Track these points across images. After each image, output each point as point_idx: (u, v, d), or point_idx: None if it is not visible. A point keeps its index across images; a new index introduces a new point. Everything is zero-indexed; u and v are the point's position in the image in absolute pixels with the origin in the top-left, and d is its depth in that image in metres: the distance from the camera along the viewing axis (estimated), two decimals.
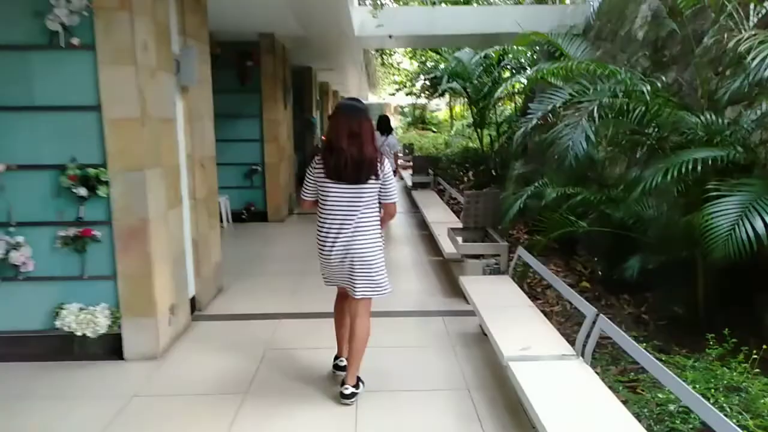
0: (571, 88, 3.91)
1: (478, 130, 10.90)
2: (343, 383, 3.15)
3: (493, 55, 10.20)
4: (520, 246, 4.18)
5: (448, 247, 5.06)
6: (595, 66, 3.94)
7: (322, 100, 18.41)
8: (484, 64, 10.22)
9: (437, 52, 14.01)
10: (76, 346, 3.72)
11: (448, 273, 5.70)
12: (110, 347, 3.75)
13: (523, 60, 9.95)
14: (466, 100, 12.48)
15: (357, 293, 3.10)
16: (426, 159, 10.62)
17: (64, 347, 3.70)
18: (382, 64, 21.63)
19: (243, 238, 7.88)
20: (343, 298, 3.36)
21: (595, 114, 3.31)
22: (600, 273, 5.67)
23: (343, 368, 3.36)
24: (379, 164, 3.04)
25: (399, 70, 23.46)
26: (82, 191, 3.53)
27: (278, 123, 8.71)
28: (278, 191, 8.83)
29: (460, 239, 4.71)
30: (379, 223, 3.14)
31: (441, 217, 6.88)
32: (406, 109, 34.25)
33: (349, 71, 15.59)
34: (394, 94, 25.75)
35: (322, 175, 3.06)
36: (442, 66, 12.60)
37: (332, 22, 7.59)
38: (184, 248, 4.29)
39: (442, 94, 12.41)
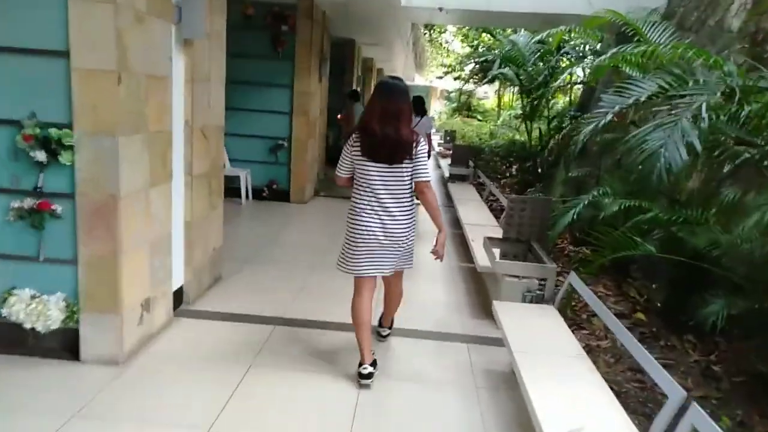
0: (662, 79, 3.04)
1: (528, 122, 9.95)
2: (379, 324, 3.64)
3: (552, 40, 9.22)
4: (572, 272, 3.36)
5: (482, 257, 4.28)
6: (695, 53, 3.06)
7: (365, 77, 17.61)
8: (541, 50, 9.23)
9: (491, 34, 13.03)
10: (30, 337, 3.12)
11: (479, 286, 4.91)
12: (67, 344, 3.13)
13: (587, 47, 8.93)
14: (517, 88, 11.52)
15: (399, 266, 3.22)
16: (467, 149, 9.75)
17: (15, 337, 3.11)
18: (431, 41, 20.66)
19: (259, 218, 7.25)
20: (366, 291, 3.19)
21: (704, 113, 2.45)
22: (659, 304, 4.79)
23: (368, 376, 3.08)
24: (414, 144, 3.01)
25: (448, 51, 22.44)
26: (41, 156, 2.88)
27: (310, 96, 8.00)
28: (304, 170, 8.15)
29: (497, 252, 3.92)
30: (413, 199, 3.13)
31: (477, 218, 6.07)
32: (452, 94, 33.16)
33: (395, 48, 14.73)
34: (442, 77, 24.70)
35: (359, 154, 3.03)
36: (495, 50, 11.61)
37: None
38: (170, 232, 3.63)
39: (492, 81, 11.44)
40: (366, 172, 3.02)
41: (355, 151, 3.04)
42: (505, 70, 10.24)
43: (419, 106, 7.94)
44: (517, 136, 12.03)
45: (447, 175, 9.39)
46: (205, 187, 4.15)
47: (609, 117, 3.13)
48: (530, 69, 9.59)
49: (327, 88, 9.36)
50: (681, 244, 3.98)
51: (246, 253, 5.47)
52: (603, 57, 4.10)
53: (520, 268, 3.64)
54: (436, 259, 3.28)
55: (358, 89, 10.66)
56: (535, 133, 10.06)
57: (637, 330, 4.53)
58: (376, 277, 3.19)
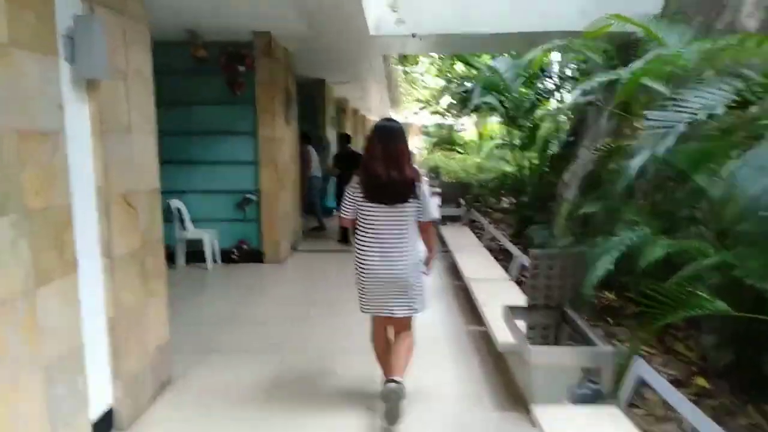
0: (732, 86, 2.18)
1: (519, 152, 9.16)
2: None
3: (535, 60, 8.55)
4: (639, 359, 2.42)
5: (499, 328, 3.32)
6: None
7: (339, 117, 16.89)
8: (527, 73, 8.52)
9: (467, 63, 12.39)
10: None
11: (497, 361, 3.91)
12: None
13: (574, 65, 8.24)
14: (500, 117, 10.82)
15: (400, 312, 3.11)
16: (456, 186, 8.87)
17: None
18: (405, 75, 20.14)
19: (227, 286, 6.24)
20: (382, 325, 3.26)
21: None
22: (722, 365, 3.85)
23: (397, 383, 2.97)
24: (417, 183, 3.04)
25: (423, 83, 21.98)
26: None
27: (277, 142, 7.11)
28: (277, 225, 7.20)
29: (523, 326, 2.97)
30: (416, 238, 3.11)
31: (481, 268, 5.16)
32: (430, 129, 32.73)
33: (368, 85, 14.06)
34: (417, 113, 24.17)
35: (361, 197, 3.06)
36: (472, 79, 10.95)
37: (340, 16, 6.01)
38: (79, 342, 2.64)
39: (474, 110, 10.72)
40: (369, 214, 3.06)
41: (357, 193, 3.07)
42: (487, 98, 9.52)
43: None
44: (507, 167, 11.26)
45: (437, 216, 8.52)
46: (135, 269, 3.17)
47: (672, 139, 2.25)
48: (514, 95, 8.87)
49: (296, 132, 8.51)
50: (742, 290, 3.09)
51: (206, 337, 4.47)
52: (628, 68, 3.26)
53: (563, 355, 2.68)
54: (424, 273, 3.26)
55: (309, 131, 9.94)
56: (525, 163, 9.28)
57: (702, 401, 3.59)
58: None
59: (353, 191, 3.09)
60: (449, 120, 26.13)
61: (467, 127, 29.49)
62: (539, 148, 9.00)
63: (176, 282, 5.89)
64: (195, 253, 6.97)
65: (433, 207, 3.19)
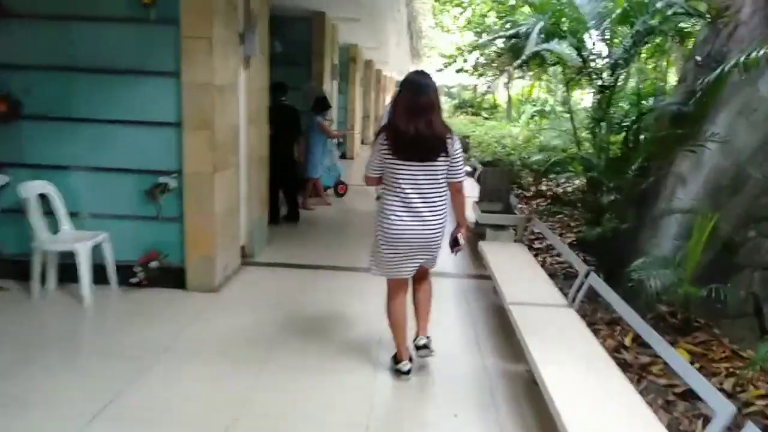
0: None
1: (598, 126, 6.19)
2: (416, 336, 3.28)
3: None
4: None
5: None
6: None
7: (348, 69, 13.83)
8: (628, 3, 5.49)
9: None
10: None
11: None
12: None
13: None
14: (554, 75, 7.83)
15: (426, 265, 3.16)
16: (503, 174, 5.78)
17: None
18: (435, 17, 17.06)
19: (103, 339, 3.49)
20: (401, 293, 3.19)
21: None
22: None
23: (407, 372, 3.18)
24: (448, 140, 2.93)
25: (449, 31, 18.88)
26: None
27: (217, 91, 4.22)
28: (211, 229, 4.37)
29: None
30: (446, 199, 3.03)
31: (576, 362, 2.31)
32: (453, 90, 29.42)
33: (385, 25, 10.96)
34: (442, 70, 20.96)
35: (389, 153, 2.93)
36: (528, 19, 7.86)
37: None
38: None
39: (523, 65, 7.70)
40: (397, 172, 2.93)
41: (384, 150, 2.93)
42: (554, 44, 6.52)
43: None
44: (573, 147, 8.30)
45: (474, 219, 5.63)
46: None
47: None
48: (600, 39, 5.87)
49: (266, 79, 5.58)
50: None
51: None
52: None
53: None
54: (455, 253, 3.25)
55: (284, 82, 6.93)
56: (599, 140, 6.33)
57: None
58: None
59: (381, 147, 2.95)
60: (476, 80, 23.24)
61: (494, 89, 26.31)
62: (631, 120, 6.05)
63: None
64: (66, 270, 4.21)
65: (462, 166, 3.02)
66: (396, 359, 3.22)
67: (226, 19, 4.33)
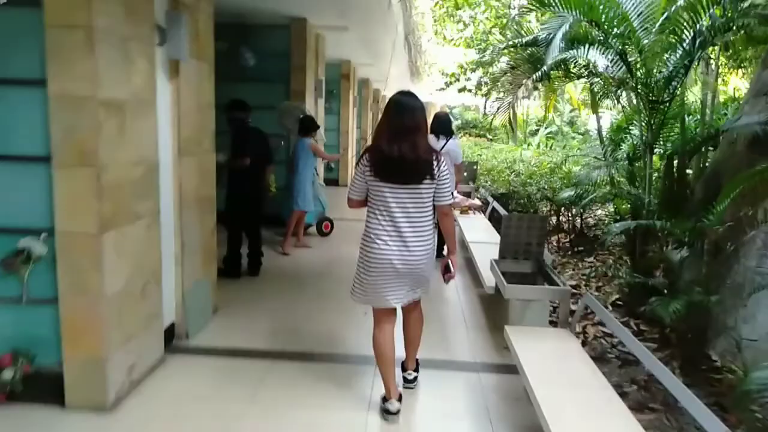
0: None
1: (645, 150, 4.72)
2: (404, 369, 3.26)
3: None
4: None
5: None
6: None
7: (339, 86, 12.47)
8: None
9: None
10: None
11: None
12: None
13: None
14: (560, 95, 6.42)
15: (413, 294, 3.01)
16: (535, 222, 4.07)
17: None
18: (434, 30, 15.81)
19: None
20: (387, 323, 3.04)
21: None
22: None
23: (396, 413, 3.00)
24: (435, 163, 2.85)
25: (450, 42, 17.78)
26: None
27: (102, 110, 2.77)
28: (100, 315, 2.88)
29: None
30: (433, 225, 2.96)
31: None
32: (455, 110, 28.20)
33: (378, 40, 9.63)
34: (443, 89, 19.69)
35: (372, 175, 2.86)
36: (548, 23, 6.49)
37: None
38: None
39: (542, 79, 6.30)
40: (380, 195, 2.86)
41: (367, 172, 2.87)
42: (585, 52, 5.20)
43: (443, 126, 5.93)
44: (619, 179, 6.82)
45: (488, 282, 4.12)
46: None
47: None
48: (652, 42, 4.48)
49: (209, 94, 4.15)
50: None
51: None
52: None
53: None
54: (447, 281, 3.12)
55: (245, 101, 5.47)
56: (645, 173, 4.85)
57: None
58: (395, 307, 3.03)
59: (364, 169, 2.88)
60: (480, 100, 22.10)
61: (505, 109, 24.99)
62: (695, 144, 4.60)
63: None
64: None
65: (449, 189, 2.94)
66: (384, 398, 3.06)
67: (128, 3, 2.91)
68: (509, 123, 10.58)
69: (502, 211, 6.90)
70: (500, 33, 20.37)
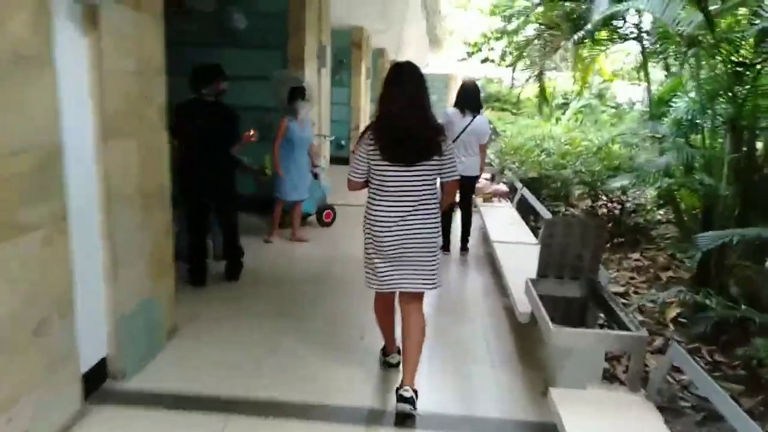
0: None
1: (732, 128, 3.66)
2: (401, 386, 2.70)
3: None
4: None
5: None
6: None
7: (350, 56, 11.36)
8: None
9: None
10: None
11: None
12: None
13: None
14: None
15: (416, 286, 2.76)
16: (588, 230, 3.00)
17: None
18: None
19: None
20: (387, 301, 2.96)
21: None
22: None
23: (396, 365, 3.07)
24: (443, 137, 2.67)
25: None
26: None
27: None
28: None
29: None
30: (438, 204, 2.77)
31: None
32: (478, 82, 26.81)
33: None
34: (465, 60, 18.43)
35: (376, 155, 2.66)
36: None
37: None
38: None
39: (584, 40, 5.19)
40: (384, 175, 2.68)
41: (371, 151, 2.67)
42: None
43: (471, 98, 5.17)
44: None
45: (523, 310, 3.11)
46: None
47: None
48: None
49: (156, 56, 3.15)
50: None
51: None
52: None
53: None
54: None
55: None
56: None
57: None
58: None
59: (365, 149, 2.68)
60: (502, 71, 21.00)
61: (518, 81, 23.73)
62: None
63: None
64: None
65: (455, 162, 2.74)
66: (384, 351, 3.17)
67: None
68: (542, 94, 9.36)
69: (531, 198, 5.85)
70: None
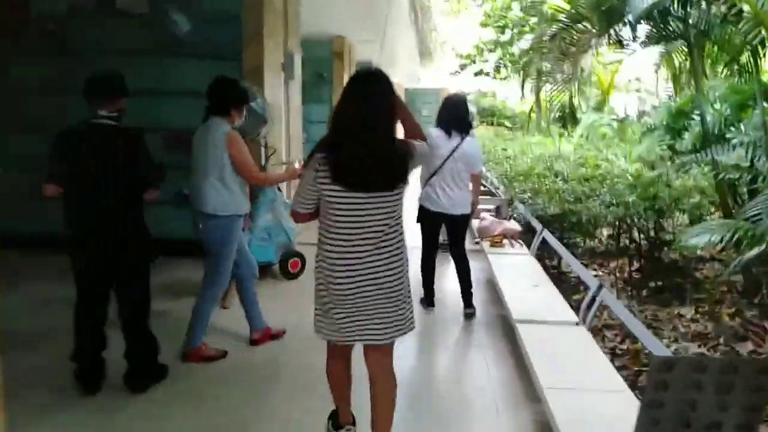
0: None
1: None
2: None
3: None
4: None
5: None
6: None
7: (330, 70, 10.09)
8: None
9: None
10: None
11: None
12: None
13: None
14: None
15: (383, 336, 2.22)
16: (727, 372, 1.69)
17: None
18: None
19: None
20: (341, 356, 2.42)
21: None
22: None
23: None
24: (410, 161, 2.21)
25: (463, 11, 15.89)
26: None
27: None
28: None
29: None
30: (403, 242, 2.27)
31: None
32: (470, 96, 25.81)
33: (375, 4, 7.28)
34: (459, 72, 17.33)
35: (328, 181, 2.14)
36: None
37: None
38: None
39: (616, 38, 3.92)
40: (338, 206, 2.17)
41: (322, 177, 2.15)
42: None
43: (456, 116, 4.08)
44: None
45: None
46: None
47: None
48: None
49: None
50: None
51: None
52: None
53: None
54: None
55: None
56: None
57: None
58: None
59: (317, 174, 2.15)
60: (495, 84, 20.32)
61: (508, 95, 22.84)
62: None
63: None
64: None
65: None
66: (336, 423, 2.52)
67: None
68: (568, 107, 8.25)
69: (554, 242, 4.53)
70: (521, 9, 17.90)
